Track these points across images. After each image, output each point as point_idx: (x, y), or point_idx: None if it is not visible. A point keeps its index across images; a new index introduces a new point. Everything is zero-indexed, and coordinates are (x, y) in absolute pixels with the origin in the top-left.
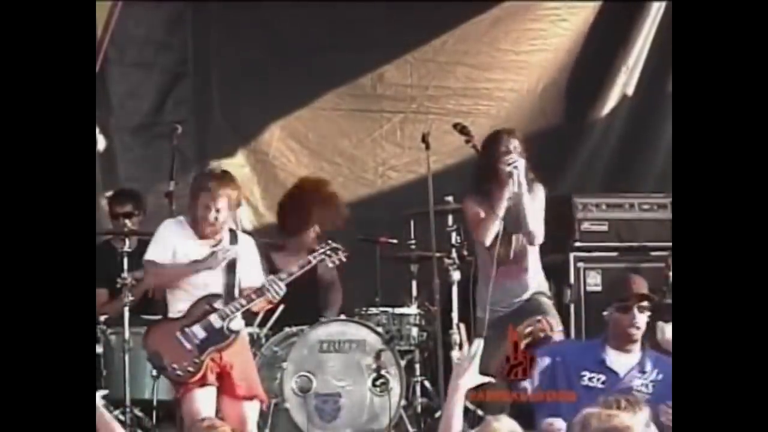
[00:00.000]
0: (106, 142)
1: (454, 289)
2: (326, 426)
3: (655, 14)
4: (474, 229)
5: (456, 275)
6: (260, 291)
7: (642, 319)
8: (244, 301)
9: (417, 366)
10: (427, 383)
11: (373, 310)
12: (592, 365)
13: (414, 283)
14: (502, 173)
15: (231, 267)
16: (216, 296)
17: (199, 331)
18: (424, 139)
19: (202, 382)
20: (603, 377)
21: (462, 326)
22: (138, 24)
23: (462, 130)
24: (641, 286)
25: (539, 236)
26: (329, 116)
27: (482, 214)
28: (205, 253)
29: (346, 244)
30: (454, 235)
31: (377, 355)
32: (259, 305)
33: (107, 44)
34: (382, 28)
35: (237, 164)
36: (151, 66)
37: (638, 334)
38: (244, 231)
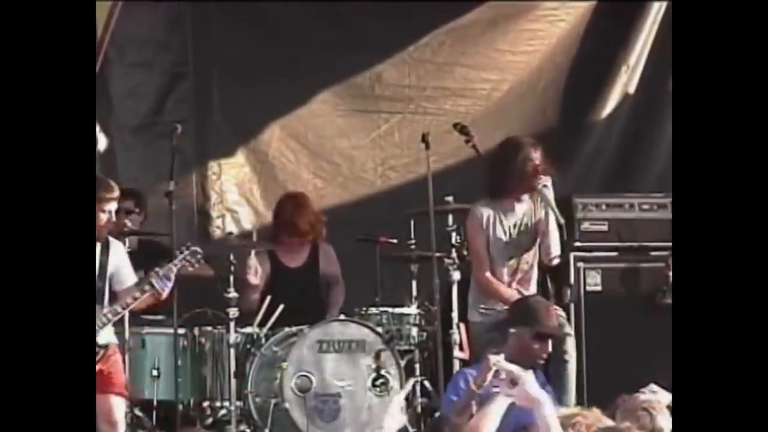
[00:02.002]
0: (106, 142)
1: (454, 289)
2: (326, 426)
3: (655, 14)
4: (471, 241)
5: (456, 275)
6: (142, 288)
7: (550, 346)
8: (119, 307)
9: (417, 366)
10: (427, 383)
11: (373, 310)
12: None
13: (414, 283)
14: (522, 186)
15: (101, 275)
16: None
17: None
18: (424, 138)
19: None
20: None
21: (462, 326)
22: (138, 24)
23: (462, 130)
24: (555, 319)
25: (557, 257)
26: (329, 116)
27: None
28: None
29: (346, 244)
30: (454, 235)
31: (377, 355)
32: (145, 302)
33: (107, 44)
34: (381, 28)
35: (237, 164)
36: (151, 66)
37: (544, 359)
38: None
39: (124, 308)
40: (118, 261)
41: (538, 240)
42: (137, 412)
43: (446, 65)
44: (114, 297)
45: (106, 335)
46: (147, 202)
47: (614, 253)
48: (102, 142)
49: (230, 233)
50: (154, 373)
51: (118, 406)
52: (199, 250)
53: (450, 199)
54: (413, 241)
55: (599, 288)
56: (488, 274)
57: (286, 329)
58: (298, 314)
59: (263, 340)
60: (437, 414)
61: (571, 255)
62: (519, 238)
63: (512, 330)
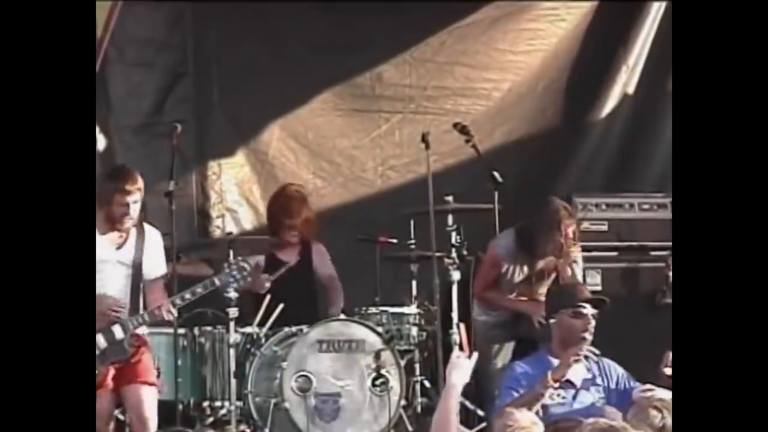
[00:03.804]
0: (106, 142)
1: (454, 289)
2: (326, 426)
3: (655, 14)
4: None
5: (456, 275)
6: (152, 313)
7: (593, 323)
8: (140, 319)
9: (417, 366)
10: (427, 383)
11: (373, 309)
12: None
13: (414, 283)
14: (554, 253)
15: (137, 269)
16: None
17: (100, 341)
18: (424, 138)
19: (99, 394)
20: (561, 392)
21: (462, 326)
22: (138, 24)
23: (462, 129)
24: (587, 292)
25: None
26: (329, 116)
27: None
28: (113, 247)
29: (346, 244)
30: (454, 235)
31: (377, 355)
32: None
33: (107, 44)
34: (381, 28)
35: (237, 164)
36: (151, 66)
37: (590, 339)
38: (150, 223)
39: (140, 323)
40: (150, 250)
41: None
42: None
43: (447, 65)
44: (142, 287)
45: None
46: (147, 202)
47: (614, 253)
48: (102, 142)
49: (230, 233)
50: (154, 373)
51: (146, 396)
52: (246, 266)
53: (450, 199)
54: (413, 241)
55: (599, 288)
56: (489, 294)
57: (286, 329)
58: (293, 309)
59: (263, 340)
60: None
61: None
62: (531, 283)
63: (552, 320)
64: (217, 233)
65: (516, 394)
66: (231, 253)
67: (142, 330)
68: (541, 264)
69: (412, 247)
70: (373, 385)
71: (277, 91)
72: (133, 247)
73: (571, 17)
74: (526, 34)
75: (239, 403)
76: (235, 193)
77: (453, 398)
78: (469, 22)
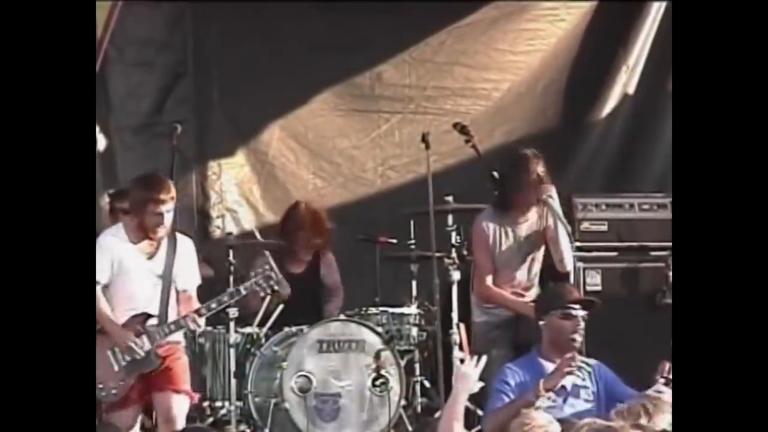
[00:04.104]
0: (106, 142)
1: (454, 289)
2: (326, 426)
3: (655, 14)
4: (475, 253)
5: (456, 275)
6: (178, 323)
7: (583, 325)
8: (167, 329)
9: (417, 366)
10: (427, 383)
11: (373, 310)
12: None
13: (414, 283)
14: (528, 199)
15: (167, 279)
16: (150, 316)
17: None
18: (424, 138)
19: (125, 403)
20: (552, 395)
21: (462, 326)
22: (138, 24)
23: (462, 129)
24: (577, 293)
25: (570, 262)
26: (329, 116)
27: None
28: (144, 257)
29: (346, 244)
30: (454, 235)
31: (377, 355)
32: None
33: (107, 44)
34: (381, 28)
35: (237, 164)
36: (151, 66)
37: (580, 341)
38: (183, 233)
39: (167, 333)
40: (182, 260)
41: (544, 248)
42: None
43: (446, 65)
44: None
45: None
46: None
47: (614, 253)
48: (102, 142)
49: (230, 233)
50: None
51: (175, 403)
52: (273, 275)
53: (450, 199)
54: (413, 241)
55: (599, 288)
56: (489, 283)
57: (286, 329)
58: (297, 317)
59: (263, 340)
60: (437, 414)
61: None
62: (527, 248)
63: (542, 322)
64: (217, 233)
65: (506, 398)
66: (231, 253)
67: (175, 336)
68: (524, 227)
69: (412, 247)
70: (373, 385)
71: (277, 91)
72: (164, 257)
73: (571, 17)
74: (526, 34)
75: (239, 403)
76: (235, 193)
77: (458, 405)
78: (468, 22)
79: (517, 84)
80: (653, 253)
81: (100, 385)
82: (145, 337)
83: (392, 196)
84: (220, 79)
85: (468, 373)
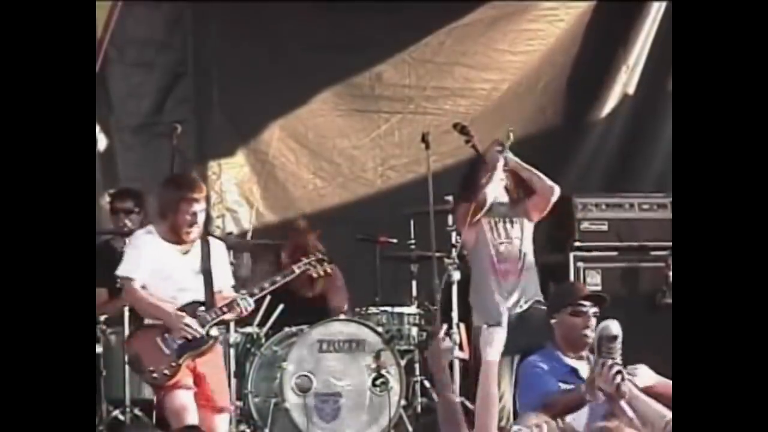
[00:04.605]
0: (106, 142)
1: (454, 289)
2: (326, 426)
3: (655, 14)
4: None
5: (456, 275)
6: (231, 305)
7: (594, 322)
8: (218, 312)
9: (417, 366)
10: (427, 383)
11: (373, 309)
12: (564, 375)
13: (414, 283)
14: (483, 170)
15: (207, 273)
16: (199, 303)
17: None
18: (424, 138)
19: (179, 385)
20: (572, 386)
21: (462, 326)
22: (138, 24)
23: (462, 129)
24: (586, 290)
25: (555, 187)
26: (328, 116)
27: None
28: (179, 256)
29: (346, 244)
30: (454, 235)
31: (377, 355)
32: (229, 317)
33: (107, 44)
34: (380, 28)
35: (237, 164)
36: (151, 66)
37: (592, 337)
38: (215, 236)
39: (217, 316)
40: (215, 261)
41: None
42: (137, 412)
43: (446, 65)
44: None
45: (214, 330)
46: (147, 201)
47: (614, 253)
48: (102, 142)
49: (230, 233)
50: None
51: (216, 423)
52: (326, 258)
53: (450, 199)
54: (413, 241)
55: (599, 288)
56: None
57: (286, 329)
58: (300, 308)
59: (263, 340)
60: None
61: (571, 255)
62: (501, 208)
63: (553, 320)
64: (217, 233)
65: (552, 383)
66: (231, 253)
67: (215, 332)
68: (493, 192)
69: (412, 247)
70: (373, 385)
71: (277, 91)
72: (199, 254)
73: (570, 17)
74: (526, 34)
75: (239, 403)
76: (235, 193)
77: (493, 377)
78: (468, 22)
79: (517, 84)
80: (653, 253)
81: (152, 368)
82: (195, 321)
83: (392, 196)
84: (220, 79)
85: (494, 338)
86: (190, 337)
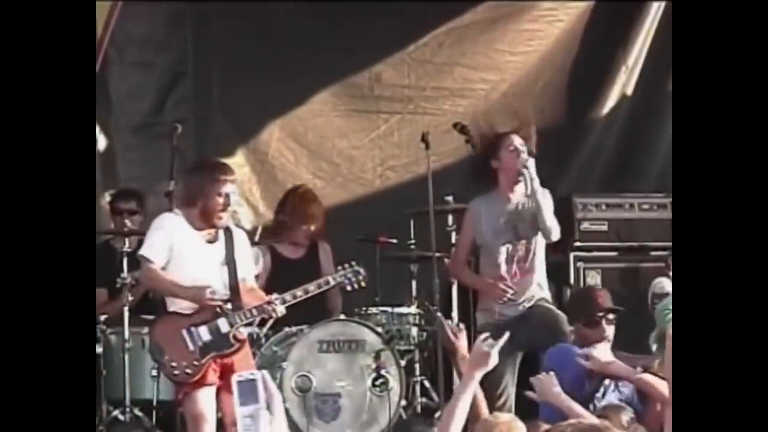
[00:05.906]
0: (106, 142)
1: (454, 289)
2: (326, 426)
3: (654, 14)
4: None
5: None
6: (261, 308)
7: (611, 331)
8: (248, 314)
9: (417, 366)
10: (427, 383)
11: (373, 309)
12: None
13: (414, 283)
14: (510, 172)
15: (231, 263)
16: (227, 300)
17: (204, 333)
18: (424, 138)
19: (202, 383)
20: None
21: (462, 326)
22: (138, 24)
23: (462, 129)
24: (606, 300)
25: (556, 231)
26: (328, 116)
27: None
28: (203, 244)
29: (346, 244)
30: (454, 235)
31: (377, 355)
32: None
33: (107, 44)
34: (380, 28)
35: (237, 164)
36: (151, 66)
37: (609, 338)
38: (238, 225)
39: (247, 318)
40: (241, 250)
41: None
42: (137, 412)
43: (445, 65)
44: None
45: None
46: (147, 202)
47: (614, 253)
48: (102, 142)
49: None
50: (154, 373)
51: None
52: (361, 270)
53: (450, 199)
54: (413, 241)
55: (599, 288)
56: (455, 262)
57: (286, 329)
58: (299, 308)
59: (263, 340)
60: (437, 414)
61: (571, 255)
62: (514, 225)
63: (570, 329)
64: None
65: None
66: None
67: (243, 330)
68: (514, 199)
69: (412, 247)
70: (373, 385)
71: (277, 91)
72: (224, 244)
73: (570, 18)
74: (525, 34)
75: None
76: (234, 194)
77: (469, 392)
78: (467, 22)
79: (516, 84)
80: (653, 253)
81: (173, 364)
82: (223, 320)
83: (392, 196)
84: (220, 79)
85: (486, 359)
86: (218, 309)
